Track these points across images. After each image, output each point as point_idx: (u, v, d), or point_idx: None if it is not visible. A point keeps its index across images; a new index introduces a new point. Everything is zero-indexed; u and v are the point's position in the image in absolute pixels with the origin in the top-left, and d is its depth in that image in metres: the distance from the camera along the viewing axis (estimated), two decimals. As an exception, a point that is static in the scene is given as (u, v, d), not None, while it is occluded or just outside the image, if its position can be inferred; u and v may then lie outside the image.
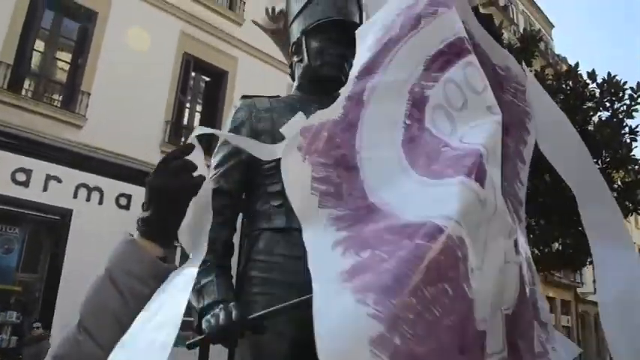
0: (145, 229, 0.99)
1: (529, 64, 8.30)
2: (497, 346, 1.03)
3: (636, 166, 7.83)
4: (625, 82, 7.04)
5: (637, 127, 7.30)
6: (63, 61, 10.11)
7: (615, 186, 7.56)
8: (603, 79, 7.13)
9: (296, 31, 1.82)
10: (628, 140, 7.42)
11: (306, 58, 1.77)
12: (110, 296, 0.91)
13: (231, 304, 1.35)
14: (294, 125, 1.10)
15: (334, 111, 1.15)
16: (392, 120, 1.14)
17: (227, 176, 1.63)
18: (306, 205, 1.03)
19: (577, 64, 7.45)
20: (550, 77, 7.73)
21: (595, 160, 7.43)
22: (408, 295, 0.83)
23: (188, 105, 11.62)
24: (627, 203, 7.48)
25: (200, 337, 1.20)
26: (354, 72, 1.20)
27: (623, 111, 7.22)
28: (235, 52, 12.24)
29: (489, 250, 1.01)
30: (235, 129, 1.68)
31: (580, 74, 7.42)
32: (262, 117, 1.70)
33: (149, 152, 10.07)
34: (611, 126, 7.05)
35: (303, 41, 1.78)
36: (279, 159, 1.48)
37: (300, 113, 1.14)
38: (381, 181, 1.05)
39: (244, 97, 1.81)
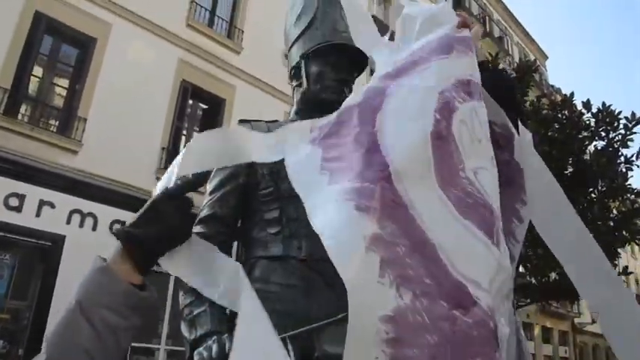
0: (129, 247, 0.89)
1: (525, 95, 8.37)
2: None
3: (632, 196, 7.83)
4: (620, 112, 7.09)
5: (632, 156, 7.33)
6: (60, 86, 10.14)
7: (612, 215, 7.55)
8: (598, 109, 7.18)
9: (295, 55, 1.80)
10: (624, 170, 7.45)
11: (305, 82, 1.74)
12: (81, 330, 0.81)
13: (225, 336, 1.31)
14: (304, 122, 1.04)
15: (353, 98, 1.08)
16: (420, 108, 1.05)
17: (222, 202, 1.59)
18: (312, 186, 0.95)
19: (572, 94, 7.51)
20: (546, 107, 7.79)
21: (591, 190, 7.43)
22: None
23: (184, 132, 11.62)
24: (624, 233, 7.47)
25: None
26: (376, 75, 1.14)
27: (618, 140, 7.26)
28: (233, 81, 12.32)
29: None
30: None
31: (575, 104, 7.48)
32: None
33: (144, 179, 10.03)
34: (606, 155, 7.07)
35: (303, 65, 1.75)
36: (276, 188, 1.44)
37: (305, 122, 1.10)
38: (409, 171, 0.94)
39: (241, 121, 1.78)
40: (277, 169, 1.53)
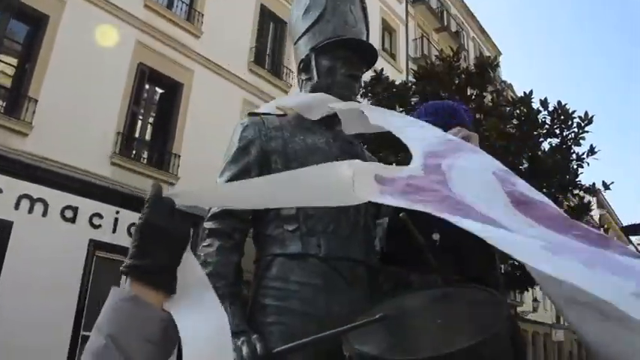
0: (146, 278, 0.79)
1: (484, 89, 8.56)
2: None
3: (581, 192, 8.15)
4: (574, 111, 7.35)
5: (583, 154, 7.62)
6: (9, 64, 9.64)
7: (563, 210, 7.85)
8: (554, 107, 7.42)
9: (304, 48, 1.76)
10: (575, 166, 7.73)
11: (315, 76, 1.71)
12: None
13: (254, 337, 1.28)
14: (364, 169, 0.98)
15: (414, 168, 1.04)
16: (486, 183, 1.03)
17: None
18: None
19: (531, 92, 7.73)
20: (504, 103, 8.00)
21: (545, 185, 7.69)
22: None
23: (141, 117, 11.29)
24: (573, 227, 7.78)
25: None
26: (417, 151, 1.11)
27: (571, 138, 7.53)
28: (192, 65, 12.03)
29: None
30: (244, 147, 1.61)
31: (532, 101, 7.71)
32: (273, 136, 1.63)
33: (98, 164, 9.72)
34: (560, 152, 7.32)
35: (313, 59, 1.72)
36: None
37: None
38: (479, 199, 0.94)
39: (251, 114, 1.74)
40: (293, 165, 1.52)
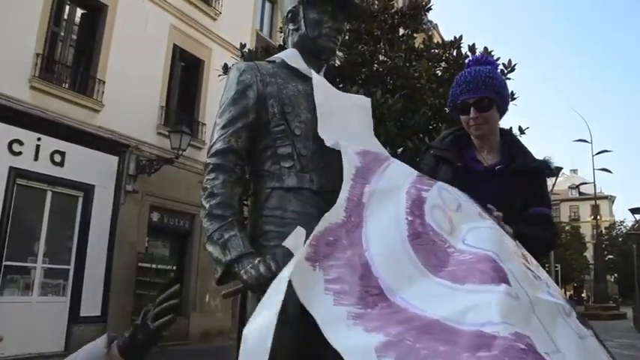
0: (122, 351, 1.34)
1: (415, 31, 8.74)
2: None
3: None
4: (499, 58, 7.72)
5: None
6: None
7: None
8: (481, 53, 7.76)
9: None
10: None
11: (303, 28, 1.83)
12: None
13: (267, 257, 1.45)
14: (297, 237, 1.25)
15: (337, 214, 1.28)
16: (394, 217, 1.27)
17: (237, 136, 1.69)
18: (321, 305, 1.11)
19: (460, 37, 8.01)
20: (434, 46, 8.25)
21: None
22: None
23: (61, 39, 10.60)
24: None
25: (239, 287, 1.30)
26: (349, 172, 1.36)
27: (494, 83, 7.96)
28: (116, -15, 11.32)
29: (557, 333, 1.13)
30: (244, 90, 1.72)
31: (461, 46, 8.01)
32: (268, 81, 1.77)
33: (17, 87, 9.15)
34: (484, 96, 7.74)
35: (301, 11, 1.84)
36: (287, 126, 1.60)
37: (299, 228, 1.30)
38: (399, 281, 1.15)
39: (244, 61, 1.85)
40: (288, 110, 1.71)
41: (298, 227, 1.33)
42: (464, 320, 1.03)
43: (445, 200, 1.35)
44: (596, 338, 1.28)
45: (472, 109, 1.97)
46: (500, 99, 2.02)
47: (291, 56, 1.85)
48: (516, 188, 1.93)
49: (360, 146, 1.51)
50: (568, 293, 64.12)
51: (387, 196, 1.33)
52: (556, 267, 25.29)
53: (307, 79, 1.81)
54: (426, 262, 1.19)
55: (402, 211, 1.29)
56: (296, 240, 1.26)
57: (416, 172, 1.43)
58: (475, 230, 1.30)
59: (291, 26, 1.90)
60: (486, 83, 1.97)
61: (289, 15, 1.90)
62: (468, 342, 0.98)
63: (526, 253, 1.45)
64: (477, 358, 0.95)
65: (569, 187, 66.59)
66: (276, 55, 1.92)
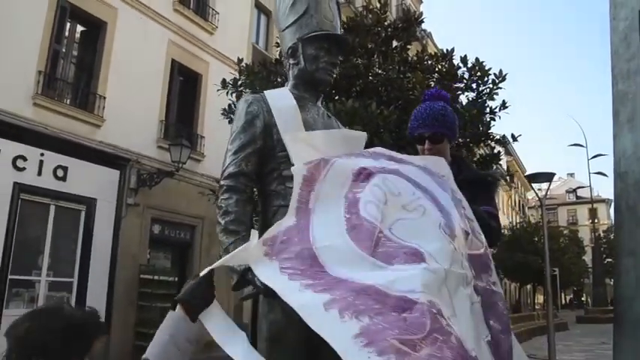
0: (187, 307, 1.55)
1: (409, 43, 8.98)
2: None
3: (492, 142, 8.91)
4: (490, 68, 7.96)
5: (496, 108, 8.29)
6: None
7: (475, 159, 8.57)
8: (473, 64, 7.98)
9: (291, 36, 2.09)
10: (488, 119, 8.41)
11: (302, 62, 2.06)
12: (171, 351, 1.50)
13: None
14: (255, 241, 1.52)
15: (289, 219, 1.58)
16: (335, 217, 1.58)
17: (247, 160, 1.91)
18: (279, 281, 1.42)
19: (452, 49, 8.26)
20: (426, 57, 8.48)
21: (460, 134, 8.39)
22: (415, 351, 1.23)
23: (63, 56, 10.82)
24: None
25: (254, 292, 1.56)
26: (297, 181, 1.64)
27: (486, 93, 8.16)
28: (115, 2, 11.56)
29: (456, 300, 1.46)
30: (252, 120, 1.94)
31: (453, 58, 8.24)
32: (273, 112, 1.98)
33: (20, 105, 9.36)
34: (476, 106, 7.94)
35: (300, 47, 2.06)
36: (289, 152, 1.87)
37: (255, 235, 1.56)
38: (340, 263, 1.45)
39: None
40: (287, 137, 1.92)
41: (254, 232, 1.60)
42: (393, 287, 1.35)
43: (376, 195, 1.65)
44: (480, 305, 1.64)
45: (427, 141, 2.30)
46: (450, 132, 2.35)
47: (282, 97, 2.08)
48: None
49: (309, 154, 1.77)
50: (568, 297, 64.25)
51: (329, 200, 1.62)
52: (554, 271, 25.46)
53: (307, 107, 2.05)
54: (361, 246, 1.49)
55: (342, 212, 1.59)
56: (254, 242, 1.54)
57: (352, 175, 1.70)
58: (401, 222, 1.60)
59: (291, 61, 2.12)
60: (439, 120, 2.29)
61: (289, 51, 2.12)
62: (395, 303, 1.30)
63: (464, 226, 1.75)
64: (402, 317, 1.27)
65: (566, 192, 66.91)
66: (278, 89, 2.16)
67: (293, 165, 1.76)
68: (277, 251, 1.50)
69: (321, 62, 2.06)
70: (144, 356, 1.44)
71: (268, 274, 1.45)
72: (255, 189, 2.02)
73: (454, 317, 1.39)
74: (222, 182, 1.91)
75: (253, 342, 1.79)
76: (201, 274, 1.57)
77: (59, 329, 1.50)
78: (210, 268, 1.58)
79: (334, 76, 2.13)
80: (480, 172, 2.35)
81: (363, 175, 1.71)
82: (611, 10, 2.10)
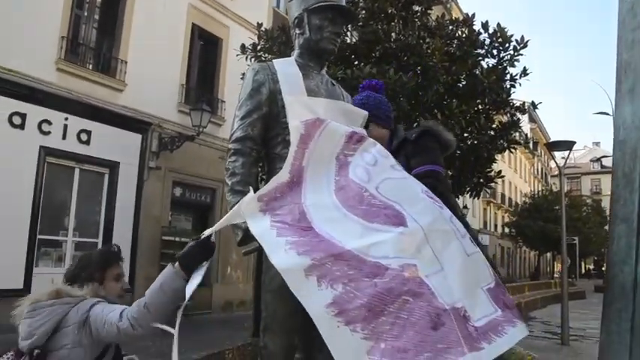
0: (183, 264, 1.78)
1: (429, 8, 8.85)
2: (487, 310, 1.58)
3: (512, 110, 8.81)
4: (512, 35, 7.82)
5: (516, 75, 8.17)
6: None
7: (494, 125, 8.51)
8: (494, 30, 7.85)
9: (297, 7, 2.17)
10: (508, 86, 8.30)
11: (307, 32, 2.14)
12: (162, 297, 1.79)
13: None
14: (250, 196, 1.64)
15: (283, 175, 1.70)
16: (326, 177, 1.70)
17: (253, 125, 2.02)
18: (267, 237, 1.53)
19: (473, 15, 8.12)
20: (446, 23, 8.35)
21: (479, 101, 8.30)
22: (381, 316, 1.36)
23: (84, 21, 10.91)
24: (502, 141, 8.49)
25: (257, 246, 1.67)
26: (294, 137, 1.75)
27: (507, 60, 8.04)
28: (135, -34, 11.54)
29: (447, 254, 1.56)
30: (258, 87, 2.04)
31: (474, 23, 8.12)
32: (278, 79, 2.08)
33: (44, 70, 9.52)
34: (496, 72, 7.84)
35: (305, 17, 2.14)
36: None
37: (251, 192, 1.67)
38: (326, 221, 1.56)
39: (259, 62, 2.17)
40: None
41: (250, 189, 1.73)
42: (368, 252, 1.47)
43: (364, 158, 1.76)
44: (482, 254, 1.74)
45: None
46: (375, 117, 2.35)
47: (288, 64, 2.16)
48: (402, 163, 2.20)
49: (307, 115, 1.86)
50: (588, 266, 63.91)
51: (322, 159, 1.74)
52: (573, 240, 25.33)
53: (312, 75, 2.12)
54: (346, 204, 1.61)
55: (332, 173, 1.73)
56: (248, 197, 1.66)
57: (344, 136, 1.81)
58: (387, 180, 1.71)
59: (297, 30, 2.21)
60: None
61: (295, 21, 2.20)
62: (369, 270, 1.43)
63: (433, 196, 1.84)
64: (373, 282, 1.41)
65: (591, 161, 65.80)
66: (284, 58, 2.22)
67: (289, 123, 1.86)
68: (271, 206, 1.62)
69: (326, 32, 2.14)
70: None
71: (259, 230, 1.56)
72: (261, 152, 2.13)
73: (439, 272, 1.50)
74: (229, 146, 2.02)
75: (258, 293, 1.91)
76: (203, 235, 1.75)
77: (82, 265, 2.21)
78: (210, 230, 1.73)
79: (337, 45, 2.20)
80: (404, 134, 2.39)
81: (355, 138, 1.81)
82: (619, -21, 2.11)
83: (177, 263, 1.75)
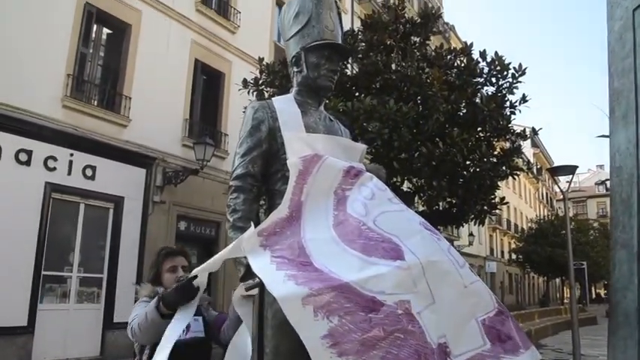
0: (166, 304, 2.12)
1: (427, 39, 9.01)
2: (473, 344, 1.60)
3: (513, 136, 8.87)
4: (510, 63, 7.95)
5: (516, 102, 8.26)
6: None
7: (495, 152, 8.56)
8: (492, 58, 7.98)
9: (295, 46, 2.22)
10: (508, 113, 8.39)
11: (305, 70, 2.19)
12: (151, 324, 2.16)
13: None
14: (250, 232, 1.68)
15: (282, 210, 1.74)
16: (325, 212, 1.74)
17: (253, 163, 2.06)
18: (267, 272, 1.57)
19: (471, 44, 8.27)
20: (445, 53, 8.49)
21: (480, 129, 8.37)
22: (373, 350, 1.39)
23: (90, 58, 11.13)
24: (504, 168, 8.53)
25: (258, 282, 1.69)
26: (293, 173, 1.79)
27: (506, 87, 8.15)
28: (139, 5, 11.83)
29: (440, 287, 1.58)
30: (258, 125, 2.08)
31: (472, 52, 8.25)
32: (277, 117, 2.13)
33: (51, 107, 9.67)
34: (496, 100, 7.93)
35: (303, 56, 2.19)
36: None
37: (252, 228, 1.72)
38: (324, 255, 1.59)
39: (258, 99, 2.23)
40: None
41: (251, 224, 1.76)
42: (365, 286, 1.49)
43: (362, 192, 1.79)
44: (481, 283, 1.76)
45: None
46: None
47: (287, 102, 2.22)
48: None
49: (305, 151, 1.91)
50: (598, 291, 63.05)
51: (320, 194, 1.77)
52: (582, 264, 25.07)
53: (310, 112, 2.17)
54: (345, 238, 1.63)
55: (331, 208, 1.76)
56: (249, 233, 1.70)
57: (342, 171, 1.84)
58: (385, 214, 1.73)
59: (295, 68, 2.26)
60: None
61: (293, 59, 2.25)
62: (365, 304, 1.45)
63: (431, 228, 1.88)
64: (368, 317, 1.43)
65: (596, 184, 65.63)
66: (283, 96, 2.28)
67: (288, 160, 1.89)
68: (271, 241, 1.65)
69: (323, 69, 2.18)
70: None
71: (259, 265, 1.60)
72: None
73: (430, 306, 1.53)
74: (231, 183, 2.06)
75: (260, 328, 1.91)
76: (191, 274, 1.91)
77: (149, 267, 2.66)
78: (199, 269, 1.91)
79: (334, 82, 2.25)
80: None
81: (353, 173, 1.85)
82: (608, 9, 2.16)
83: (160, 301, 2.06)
